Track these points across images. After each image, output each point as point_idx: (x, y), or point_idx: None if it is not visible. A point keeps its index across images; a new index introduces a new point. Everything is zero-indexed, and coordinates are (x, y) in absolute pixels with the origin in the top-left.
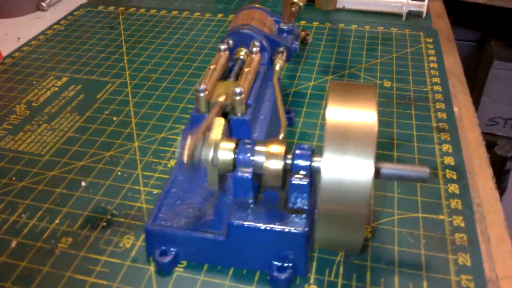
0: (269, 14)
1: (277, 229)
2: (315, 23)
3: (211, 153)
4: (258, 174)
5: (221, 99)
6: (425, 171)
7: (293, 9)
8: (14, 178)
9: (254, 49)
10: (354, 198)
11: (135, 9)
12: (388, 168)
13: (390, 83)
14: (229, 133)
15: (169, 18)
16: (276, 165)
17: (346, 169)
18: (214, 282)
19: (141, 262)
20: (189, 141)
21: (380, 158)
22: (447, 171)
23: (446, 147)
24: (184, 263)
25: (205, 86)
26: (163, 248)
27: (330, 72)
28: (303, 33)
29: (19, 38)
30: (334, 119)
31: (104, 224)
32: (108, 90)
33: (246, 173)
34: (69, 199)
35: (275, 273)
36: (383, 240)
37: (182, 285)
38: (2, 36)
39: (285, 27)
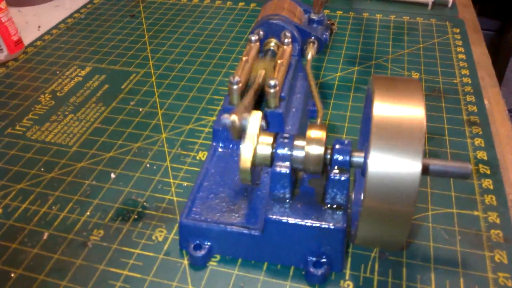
0: (299, 4)
1: (315, 225)
2: (339, 12)
3: (249, 148)
4: (296, 169)
5: (261, 74)
6: (467, 167)
7: None
8: (42, 169)
9: (286, 40)
10: (401, 195)
11: None
12: (434, 164)
13: (418, 74)
14: (266, 126)
15: (190, 7)
16: (317, 150)
17: (394, 165)
18: (248, 276)
19: (175, 256)
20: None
21: None
22: (480, 165)
23: (478, 141)
24: (218, 257)
25: (239, 78)
26: (197, 242)
27: (357, 63)
28: (327, 22)
29: (39, 27)
30: (381, 115)
31: (136, 216)
32: (133, 81)
33: (284, 168)
34: (99, 191)
35: (311, 269)
36: (418, 236)
37: (216, 279)
38: (23, 24)
39: (315, 17)
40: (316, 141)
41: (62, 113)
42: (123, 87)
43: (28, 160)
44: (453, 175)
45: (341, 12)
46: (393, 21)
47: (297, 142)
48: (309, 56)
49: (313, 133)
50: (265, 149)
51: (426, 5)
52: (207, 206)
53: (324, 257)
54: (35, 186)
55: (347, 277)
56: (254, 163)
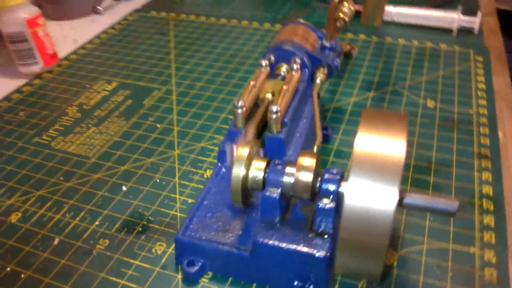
0: (313, 30)
1: (299, 251)
2: (362, 36)
3: (241, 171)
4: (287, 195)
5: (269, 95)
6: (453, 205)
7: (338, 24)
8: (61, 178)
9: (295, 66)
10: (375, 227)
11: (185, 15)
12: (413, 198)
13: (433, 103)
14: (263, 152)
15: (218, 26)
16: (306, 177)
17: (370, 198)
18: None
19: (170, 270)
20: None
21: (415, 182)
22: (484, 200)
23: (486, 175)
24: (210, 274)
25: (243, 103)
26: (191, 258)
27: (373, 89)
28: (348, 46)
29: (75, 40)
30: (362, 148)
31: (140, 229)
32: (154, 97)
33: (274, 193)
34: (110, 202)
35: None
36: (409, 269)
37: None
38: (60, 37)
39: (327, 44)
40: (306, 169)
41: (86, 125)
42: (144, 102)
43: (49, 169)
44: (437, 212)
45: (364, 36)
46: (415, 47)
47: (288, 169)
48: (318, 81)
49: (304, 160)
50: (257, 174)
51: (451, 31)
52: (204, 224)
53: (309, 282)
54: (53, 193)
55: None
56: (244, 186)
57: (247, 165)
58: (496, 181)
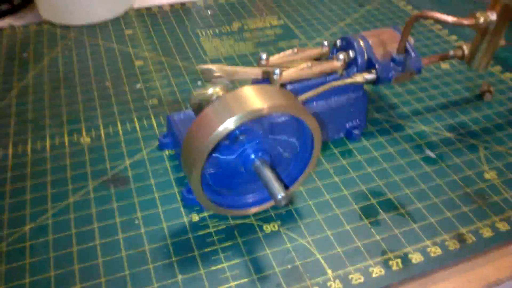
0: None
1: None
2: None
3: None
4: None
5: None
6: (279, 194)
7: (451, 52)
8: None
9: (341, 56)
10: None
11: None
12: (259, 166)
13: None
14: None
15: None
16: None
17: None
18: None
19: None
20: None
21: None
22: None
23: None
24: None
25: (266, 57)
26: None
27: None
28: (485, 87)
29: None
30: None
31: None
32: None
33: None
34: None
35: None
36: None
37: None
38: None
39: (396, 57)
40: None
41: None
42: None
43: None
44: (269, 191)
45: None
46: None
47: None
48: (357, 76)
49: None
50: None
51: None
52: None
53: None
54: None
55: None
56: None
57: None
58: None
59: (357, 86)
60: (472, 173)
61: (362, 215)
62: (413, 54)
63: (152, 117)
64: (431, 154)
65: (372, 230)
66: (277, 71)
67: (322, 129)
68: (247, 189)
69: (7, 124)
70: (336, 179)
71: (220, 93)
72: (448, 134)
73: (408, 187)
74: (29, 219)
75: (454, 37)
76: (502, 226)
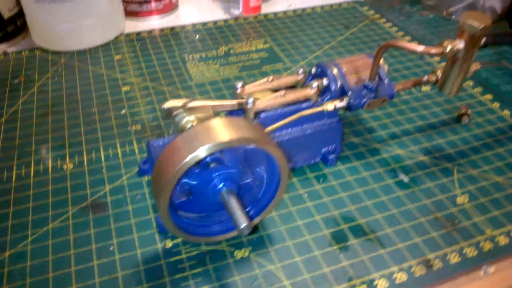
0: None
1: None
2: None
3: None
4: None
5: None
6: (242, 223)
7: (425, 78)
8: None
9: (314, 84)
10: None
11: None
12: (227, 198)
13: None
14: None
15: None
16: None
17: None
18: None
19: None
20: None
21: None
22: None
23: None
24: None
25: (241, 85)
26: None
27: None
28: (463, 110)
29: (290, 5)
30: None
31: None
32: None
33: None
34: None
35: None
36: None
37: None
38: None
39: (368, 84)
40: None
41: None
42: None
43: None
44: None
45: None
46: None
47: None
48: (328, 104)
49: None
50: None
51: None
52: None
53: None
54: None
55: None
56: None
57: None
58: None
59: (331, 113)
60: (444, 197)
61: (332, 241)
62: (386, 81)
63: (135, 142)
64: (405, 178)
65: (341, 255)
66: (250, 100)
67: (298, 155)
68: (216, 217)
69: None
70: (309, 204)
71: (194, 122)
72: (423, 158)
73: (379, 212)
74: (9, 245)
75: (437, 59)
76: (470, 252)
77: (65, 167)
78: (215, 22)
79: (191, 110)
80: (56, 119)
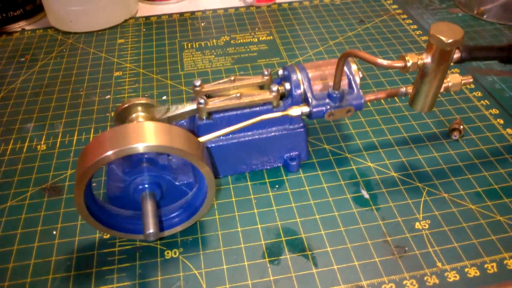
0: (348, 74)
1: None
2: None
3: None
4: None
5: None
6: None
7: (402, 89)
8: None
9: (274, 88)
10: None
11: None
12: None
13: None
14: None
15: None
16: None
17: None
18: None
19: None
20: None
21: None
22: None
23: None
24: None
25: (200, 83)
26: None
27: None
28: (456, 125)
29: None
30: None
31: None
32: None
33: None
34: None
35: None
36: None
37: None
38: None
39: (332, 93)
40: None
41: None
42: None
43: None
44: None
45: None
46: None
47: None
48: (290, 109)
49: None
50: None
51: None
52: None
53: None
54: None
55: None
56: None
57: None
58: None
59: (294, 119)
60: (402, 220)
61: (265, 253)
62: (355, 91)
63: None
64: (366, 195)
65: (269, 269)
66: (202, 100)
67: (255, 158)
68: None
69: None
70: (256, 210)
71: (142, 119)
72: (394, 174)
73: (325, 227)
74: None
75: None
76: (410, 285)
77: (38, 147)
78: (225, 9)
79: (143, 105)
80: (45, 99)
